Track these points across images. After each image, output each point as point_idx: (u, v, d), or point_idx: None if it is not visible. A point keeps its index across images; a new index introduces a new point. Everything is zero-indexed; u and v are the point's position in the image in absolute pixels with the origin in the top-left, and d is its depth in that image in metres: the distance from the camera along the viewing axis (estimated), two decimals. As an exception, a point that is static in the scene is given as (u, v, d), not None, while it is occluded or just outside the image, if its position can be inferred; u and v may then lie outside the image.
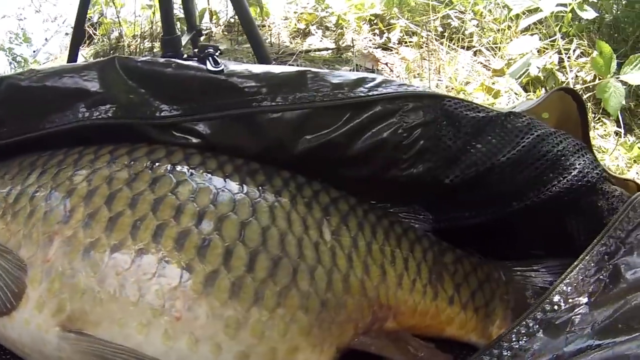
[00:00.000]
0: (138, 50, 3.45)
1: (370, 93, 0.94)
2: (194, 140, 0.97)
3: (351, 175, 0.97)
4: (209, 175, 0.90)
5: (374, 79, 0.96)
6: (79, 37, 2.33)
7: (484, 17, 3.06)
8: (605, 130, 2.47)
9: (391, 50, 2.98)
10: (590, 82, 2.55)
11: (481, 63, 2.84)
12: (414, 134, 0.93)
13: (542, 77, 2.60)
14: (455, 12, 3.10)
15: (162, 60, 0.99)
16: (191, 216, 0.83)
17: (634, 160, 2.32)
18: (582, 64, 2.67)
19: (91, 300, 0.79)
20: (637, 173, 2.26)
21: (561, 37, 2.65)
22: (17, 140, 0.98)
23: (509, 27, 2.95)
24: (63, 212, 0.84)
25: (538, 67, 2.57)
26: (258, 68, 0.97)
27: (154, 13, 3.51)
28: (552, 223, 0.99)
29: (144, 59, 1.00)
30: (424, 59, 2.79)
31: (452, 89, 2.55)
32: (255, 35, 2.14)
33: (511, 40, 2.88)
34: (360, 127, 0.94)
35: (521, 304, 0.97)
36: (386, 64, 2.78)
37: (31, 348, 0.81)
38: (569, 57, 2.63)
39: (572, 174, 0.93)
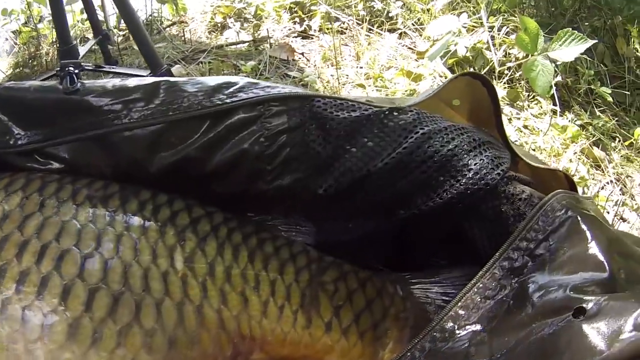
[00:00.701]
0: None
1: (228, 100, 0.81)
2: (57, 165, 0.90)
3: (217, 190, 0.86)
4: (58, 206, 0.82)
5: (235, 84, 0.84)
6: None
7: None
8: (540, 109, 2.39)
9: (311, 38, 2.89)
10: (522, 59, 2.46)
11: (407, 46, 2.74)
12: (277, 142, 0.81)
13: (470, 58, 2.52)
14: None
15: (24, 84, 0.93)
16: (32, 254, 0.76)
17: (572, 140, 2.25)
18: (511, 41, 2.57)
19: None
20: (574, 153, 2.19)
21: (491, 14, 2.57)
22: None
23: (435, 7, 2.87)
24: None
25: (466, 47, 2.47)
26: (114, 83, 0.87)
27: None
28: (451, 231, 0.87)
29: (6, 84, 0.94)
30: (343, 45, 2.70)
31: (370, 77, 2.45)
32: (142, 36, 2.10)
33: (436, 18, 2.80)
34: (219, 138, 0.82)
35: (422, 322, 0.82)
36: (302, 53, 2.68)
37: None
38: (496, 35, 2.56)
39: (467, 176, 0.81)
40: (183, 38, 2.93)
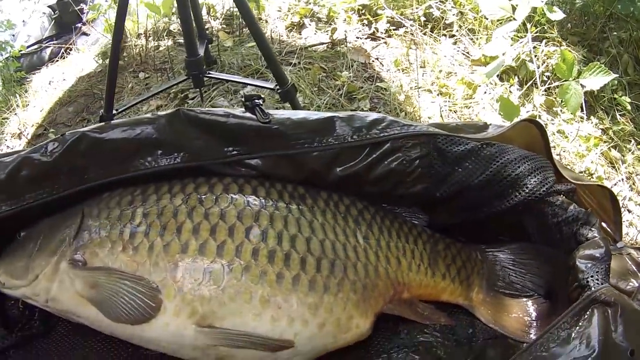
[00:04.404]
0: (145, 50, 3.66)
1: (381, 134, 1.29)
2: (252, 172, 1.31)
3: (371, 191, 1.33)
4: (274, 206, 1.24)
5: (383, 121, 1.31)
6: (118, 38, 2.28)
7: (463, 7, 3.36)
8: (570, 115, 2.80)
9: (379, 40, 3.27)
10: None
11: (461, 52, 3.16)
12: (413, 164, 1.29)
13: (515, 67, 2.93)
14: (436, 2, 3.37)
15: (219, 111, 1.32)
16: (273, 239, 1.18)
17: (594, 145, 2.69)
18: (551, 53, 3.00)
19: (217, 303, 1.13)
20: (595, 154, 2.66)
21: (532, 28, 2.96)
22: (100, 183, 1.26)
23: (486, 17, 3.23)
24: (179, 245, 1.15)
25: (512, 57, 2.89)
26: (297, 116, 1.31)
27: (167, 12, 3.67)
28: (513, 220, 1.36)
29: (202, 110, 1.32)
30: (409, 54, 3.10)
31: (436, 84, 2.87)
32: (270, 54, 2.26)
33: (487, 28, 3.21)
34: (376, 160, 1.29)
35: (492, 276, 1.36)
36: (377, 58, 3.08)
37: (169, 342, 1.14)
38: (536, 53, 2.96)
39: (526, 190, 1.30)
40: (267, 35, 3.29)
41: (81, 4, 5.86)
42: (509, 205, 1.32)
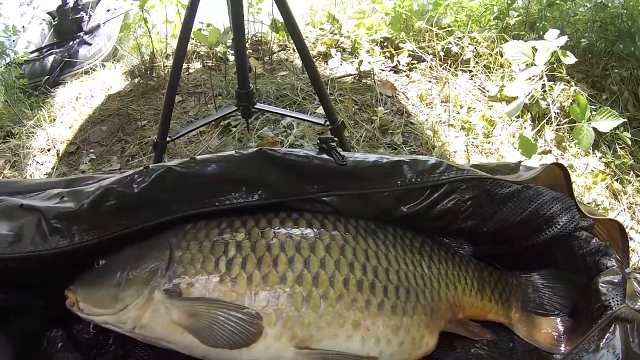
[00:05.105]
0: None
1: (440, 177, 1.49)
2: (327, 208, 1.44)
3: (429, 226, 1.54)
4: (355, 240, 1.38)
5: (441, 165, 1.51)
6: (181, 54, 2.32)
7: (480, 44, 3.59)
8: (577, 150, 3.04)
9: (401, 73, 3.48)
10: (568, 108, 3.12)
11: (477, 87, 3.39)
12: (467, 204, 1.51)
13: (528, 104, 3.14)
14: (455, 39, 3.60)
15: (299, 152, 1.42)
16: (359, 270, 1.32)
17: (601, 179, 2.92)
18: (561, 91, 3.24)
19: (315, 328, 1.24)
20: (603, 188, 2.89)
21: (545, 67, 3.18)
22: (185, 215, 1.32)
23: (501, 54, 3.47)
24: (277, 276, 1.25)
25: (525, 94, 3.10)
26: (370, 159, 1.48)
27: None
28: (544, 251, 1.59)
29: (283, 150, 1.41)
30: (427, 81, 3.31)
31: (458, 118, 3.10)
32: (324, 93, 2.35)
33: (502, 66, 3.44)
34: (436, 200, 1.49)
35: (526, 298, 1.57)
36: (403, 92, 3.30)
37: None
38: (551, 93, 3.19)
39: (557, 227, 1.53)
40: (301, 69, 3.43)
41: (81, 12, 5.98)
42: (543, 239, 1.54)
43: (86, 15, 6.09)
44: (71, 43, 5.64)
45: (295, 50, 2.36)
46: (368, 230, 1.43)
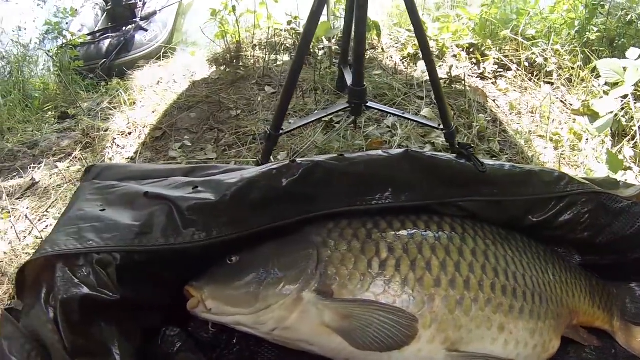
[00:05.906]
0: (263, 62, 3.74)
1: (564, 190, 1.59)
2: (463, 213, 1.48)
3: (550, 235, 1.59)
4: (495, 246, 1.41)
5: (564, 178, 1.60)
6: (305, 48, 2.32)
7: (563, 57, 3.69)
8: None
9: (487, 80, 3.57)
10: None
11: (559, 99, 3.48)
12: (585, 216, 1.62)
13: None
14: (539, 50, 3.69)
15: (442, 156, 1.50)
16: (503, 275, 1.35)
17: None
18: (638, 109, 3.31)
19: (466, 331, 1.26)
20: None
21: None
22: (327, 213, 1.32)
23: (582, 69, 3.56)
24: (432, 279, 1.27)
25: (614, 111, 3.13)
26: (503, 167, 1.56)
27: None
28: None
29: (428, 153, 1.46)
30: (513, 90, 3.39)
31: (545, 130, 3.19)
32: (441, 97, 2.35)
33: (583, 80, 3.53)
34: (560, 211, 1.56)
35: (624, 307, 1.67)
36: (494, 100, 3.40)
37: None
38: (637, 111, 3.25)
39: None
40: (384, 63, 3.55)
41: (135, -1, 6.06)
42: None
43: (140, 1, 6.25)
44: (126, 28, 5.81)
45: (420, 49, 2.26)
46: (502, 236, 1.47)
